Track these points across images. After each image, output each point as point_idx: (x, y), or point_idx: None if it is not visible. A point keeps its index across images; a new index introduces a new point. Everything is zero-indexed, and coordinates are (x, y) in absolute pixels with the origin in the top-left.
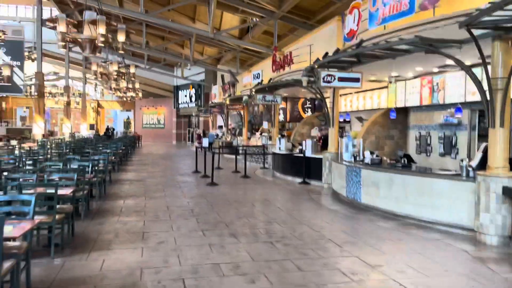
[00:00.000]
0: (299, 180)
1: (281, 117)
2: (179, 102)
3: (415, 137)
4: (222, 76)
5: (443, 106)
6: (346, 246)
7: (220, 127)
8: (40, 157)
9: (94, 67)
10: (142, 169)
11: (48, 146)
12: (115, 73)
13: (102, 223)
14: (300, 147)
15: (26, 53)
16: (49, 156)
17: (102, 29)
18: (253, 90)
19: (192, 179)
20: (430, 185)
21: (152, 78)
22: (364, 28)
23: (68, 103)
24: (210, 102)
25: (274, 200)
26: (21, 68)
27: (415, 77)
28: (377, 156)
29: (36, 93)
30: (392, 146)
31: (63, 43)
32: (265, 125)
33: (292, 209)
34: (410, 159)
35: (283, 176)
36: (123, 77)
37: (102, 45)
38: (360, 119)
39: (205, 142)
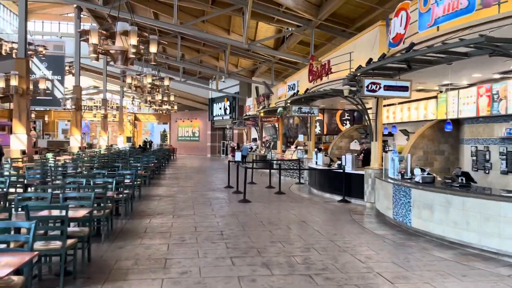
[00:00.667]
0: (338, 197)
1: (317, 130)
2: (214, 114)
3: (471, 152)
4: (257, 88)
5: (505, 117)
6: (399, 283)
7: (254, 139)
8: (70, 170)
9: (128, 80)
10: (174, 184)
11: (85, 158)
12: (149, 85)
13: (122, 246)
14: (338, 161)
15: (66, 68)
16: (79, 170)
17: (133, 40)
18: (288, 101)
19: (224, 195)
20: (498, 210)
21: (188, 91)
22: (412, 31)
23: (105, 116)
24: (244, 115)
25: (312, 221)
26: (61, 82)
27: (470, 85)
28: (429, 173)
29: (73, 107)
30: (443, 162)
31: (95, 55)
32: (301, 138)
33: (333, 233)
34: (469, 178)
35: (321, 193)
36: (157, 89)
37: (134, 56)
38: (404, 132)
39: (238, 156)
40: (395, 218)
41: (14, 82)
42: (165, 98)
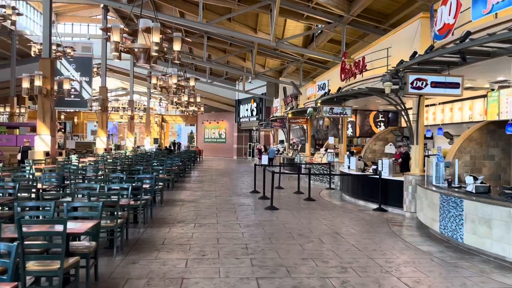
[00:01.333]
0: (373, 205)
1: (349, 132)
2: (240, 116)
3: None
4: (284, 89)
5: None
6: None
7: (282, 141)
8: (90, 173)
9: (153, 80)
10: (198, 188)
11: (108, 160)
12: (175, 86)
13: (136, 261)
14: (373, 166)
15: (94, 69)
16: (100, 172)
17: (156, 38)
18: (319, 101)
19: (250, 201)
20: None
21: (214, 93)
22: (463, 21)
23: (132, 118)
24: (271, 116)
25: (347, 233)
26: (89, 83)
27: None
28: (482, 182)
29: (99, 108)
30: (492, 169)
31: (117, 53)
32: (331, 140)
33: (372, 248)
34: None
35: (354, 200)
36: (183, 90)
37: (156, 54)
38: (447, 135)
39: (264, 159)
40: (442, 232)
41: (38, 82)
42: (191, 99)
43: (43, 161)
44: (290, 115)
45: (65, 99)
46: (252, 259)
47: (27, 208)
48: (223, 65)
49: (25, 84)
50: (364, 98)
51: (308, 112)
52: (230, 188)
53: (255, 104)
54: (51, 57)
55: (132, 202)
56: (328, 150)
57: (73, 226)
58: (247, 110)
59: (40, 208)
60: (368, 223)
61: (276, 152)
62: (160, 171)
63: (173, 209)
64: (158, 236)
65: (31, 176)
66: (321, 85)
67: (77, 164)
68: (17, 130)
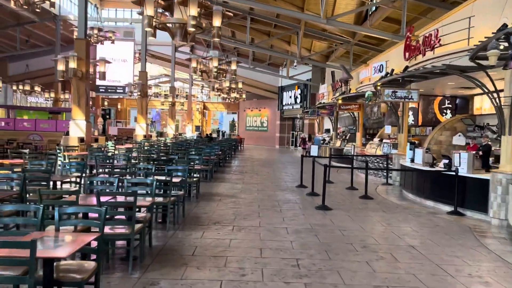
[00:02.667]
0: (446, 208)
1: (409, 120)
2: (283, 103)
3: None
4: (333, 73)
5: None
6: None
7: (327, 130)
8: (120, 162)
9: (193, 64)
10: (238, 179)
11: (145, 148)
12: (215, 69)
13: (156, 282)
14: (444, 160)
15: (136, 55)
16: (132, 161)
17: (193, 11)
18: (378, 83)
19: (297, 197)
20: None
21: (257, 79)
22: None
23: (173, 104)
24: (318, 103)
25: (424, 245)
26: (130, 69)
27: None
28: None
29: (139, 93)
30: None
31: (150, 29)
32: (388, 129)
33: (467, 272)
34: None
35: (419, 200)
36: (224, 75)
37: (193, 29)
38: None
39: (314, 149)
40: None
41: (72, 64)
42: (233, 85)
43: (77, 148)
44: (340, 101)
45: (105, 85)
46: (308, 285)
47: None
48: (266, 49)
49: (60, 67)
50: (433, 80)
51: (366, 95)
52: (274, 181)
53: (299, 91)
54: (86, 38)
55: (160, 200)
56: (384, 141)
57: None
58: (290, 97)
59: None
60: (446, 231)
61: (322, 141)
62: (197, 161)
63: (209, 205)
64: (188, 243)
65: (48, 167)
66: (378, 67)
67: (112, 151)
68: (62, 115)
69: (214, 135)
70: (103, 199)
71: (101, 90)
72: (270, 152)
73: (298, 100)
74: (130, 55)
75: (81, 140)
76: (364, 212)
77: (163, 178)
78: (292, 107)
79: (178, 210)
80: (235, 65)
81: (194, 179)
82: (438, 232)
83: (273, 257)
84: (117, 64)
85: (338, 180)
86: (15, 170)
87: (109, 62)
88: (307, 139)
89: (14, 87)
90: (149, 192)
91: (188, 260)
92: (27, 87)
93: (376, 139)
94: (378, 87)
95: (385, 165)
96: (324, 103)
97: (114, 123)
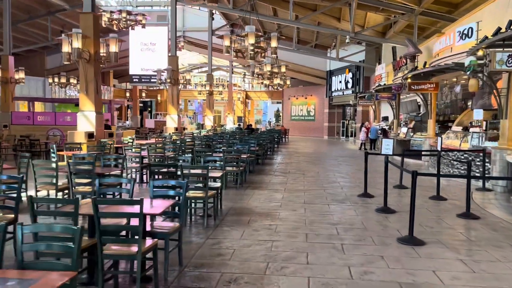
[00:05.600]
0: None
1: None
2: (332, 90)
3: None
4: (394, 49)
5: None
6: None
7: (385, 118)
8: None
9: (226, 42)
10: (279, 185)
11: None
12: (252, 48)
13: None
14: None
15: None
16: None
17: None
18: (483, 46)
19: (363, 216)
20: None
21: (302, 64)
22: None
23: (211, 93)
24: (376, 85)
25: None
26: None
27: None
28: None
29: (169, 80)
30: None
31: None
32: (478, 114)
33: None
34: None
35: None
36: (262, 54)
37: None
38: None
39: (388, 145)
40: None
41: (76, 43)
42: (275, 70)
43: (78, 146)
44: (409, 80)
45: (139, 74)
46: None
47: None
48: (313, 26)
49: (65, 48)
50: None
51: (469, 62)
52: (326, 186)
53: (350, 75)
54: (94, 12)
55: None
56: (472, 130)
57: None
58: (340, 82)
59: None
60: None
61: (380, 132)
62: (217, 164)
63: (231, 235)
64: None
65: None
66: (464, 32)
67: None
68: None
69: (259, 126)
70: None
71: (134, 80)
72: (318, 144)
73: (350, 85)
74: (164, 40)
75: (90, 135)
76: (479, 248)
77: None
78: (343, 93)
79: (169, 258)
80: (276, 42)
81: (212, 192)
82: None
83: None
84: (151, 52)
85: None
86: None
87: (122, 41)
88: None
89: (50, 80)
90: None
91: None
92: (63, 80)
93: (456, 128)
94: (481, 52)
95: (482, 164)
96: (384, 85)
97: (153, 116)
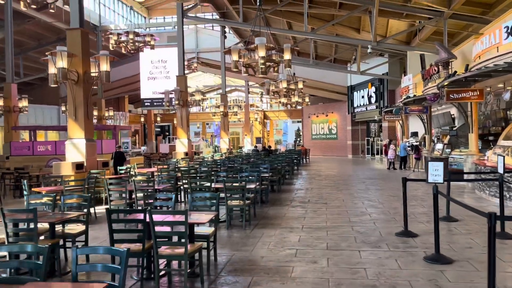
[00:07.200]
0: None
1: None
2: (355, 105)
3: None
4: (422, 57)
5: None
6: None
7: (414, 134)
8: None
9: (234, 57)
10: (295, 219)
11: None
12: (262, 61)
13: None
14: None
15: (186, 62)
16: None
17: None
18: None
19: (406, 268)
20: None
21: (321, 80)
22: None
23: (225, 114)
24: (401, 100)
25: None
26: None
27: None
28: None
29: (176, 102)
30: None
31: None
32: None
33: None
34: None
35: None
36: (275, 68)
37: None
38: None
39: (437, 169)
40: None
41: (61, 63)
42: (292, 86)
43: (59, 181)
44: (446, 89)
45: (151, 98)
46: None
47: None
48: (331, 36)
49: (51, 69)
50: None
51: None
52: (354, 221)
53: (373, 89)
54: (82, 28)
55: None
56: None
57: None
58: (363, 97)
59: None
60: None
61: (409, 148)
62: (210, 203)
63: None
64: None
65: None
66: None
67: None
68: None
69: (279, 146)
70: None
71: (146, 104)
72: (342, 165)
73: (373, 100)
74: (175, 62)
75: (78, 166)
76: None
77: None
78: (366, 108)
79: None
80: (289, 54)
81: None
82: None
83: None
84: (162, 74)
85: (458, 213)
86: None
87: (113, 59)
88: (391, 145)
89: (63, 108)
90: None
91: None
92: None
93: (505, 142)
94: None
95: None
96: (414, 96)
97: (169, 140)
